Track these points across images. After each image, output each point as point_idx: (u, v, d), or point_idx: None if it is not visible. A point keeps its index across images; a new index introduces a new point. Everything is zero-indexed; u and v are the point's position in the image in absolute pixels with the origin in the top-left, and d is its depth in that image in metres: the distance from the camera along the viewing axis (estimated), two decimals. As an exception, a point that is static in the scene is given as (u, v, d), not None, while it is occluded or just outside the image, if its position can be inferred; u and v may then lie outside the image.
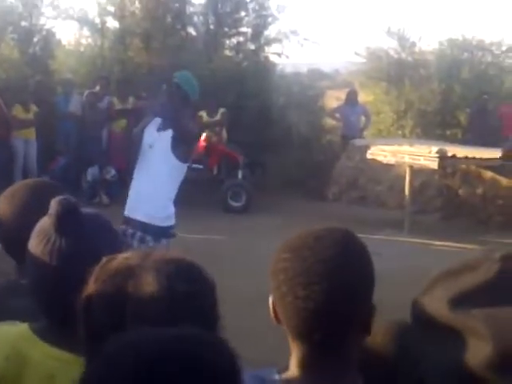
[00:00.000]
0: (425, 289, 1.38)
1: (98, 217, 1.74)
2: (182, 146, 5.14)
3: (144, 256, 1.38)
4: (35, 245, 1.65)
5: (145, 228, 5.13)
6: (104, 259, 1.41)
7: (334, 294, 1.45)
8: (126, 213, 5.24)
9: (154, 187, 5.09)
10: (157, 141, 5.16)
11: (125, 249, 1.66)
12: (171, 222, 5.23)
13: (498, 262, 1.13)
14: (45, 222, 1.67)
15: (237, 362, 0.96)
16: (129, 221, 5.19)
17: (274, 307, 1.57)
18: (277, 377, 1.53)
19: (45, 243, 1.62)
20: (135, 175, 5.30)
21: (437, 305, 1.27)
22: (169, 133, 5.13)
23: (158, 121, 5.25)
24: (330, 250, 1.49)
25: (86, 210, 1.73)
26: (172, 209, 5.25)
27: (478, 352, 1.21)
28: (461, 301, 1.11)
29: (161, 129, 5.20)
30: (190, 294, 1.32)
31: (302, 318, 1.46)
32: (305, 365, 1.51)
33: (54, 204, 1.64)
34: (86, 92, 12.14)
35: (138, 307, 1.29)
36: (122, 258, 1.39)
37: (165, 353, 0.95)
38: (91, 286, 1.36)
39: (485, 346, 1.19)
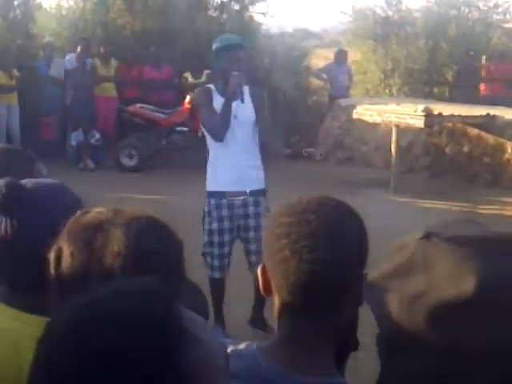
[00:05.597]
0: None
1: (46, 186, 1.70)
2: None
3: (115, 212, 1.39)
4: None
5: (258, 194, 5.25)
6: (78, 213, 1.42)
7: (340, 257, 1.41)
8: (230, 188, 5.15)
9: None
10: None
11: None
12: None
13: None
14: None
15: (170, 311, 0.91)
16: (234, 194, 5.15)
17: (265, 276, 1.50)
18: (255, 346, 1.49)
19: None
20: (219, 148, 5.22)
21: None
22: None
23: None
24: (334, 214, 1.46)
25: (32, 180, 1.70)
26: None
27: None
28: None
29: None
30: (156, 250, 1.35)
31: (305, 282, 1.41)
32: (289, 335, 1.47)
33: None
34: (70, 55, 11.99)
35: (104, 261, 1.31)
36: (95, 212, 1.40)
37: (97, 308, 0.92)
38: (62, 239, 1.37)
39: None
